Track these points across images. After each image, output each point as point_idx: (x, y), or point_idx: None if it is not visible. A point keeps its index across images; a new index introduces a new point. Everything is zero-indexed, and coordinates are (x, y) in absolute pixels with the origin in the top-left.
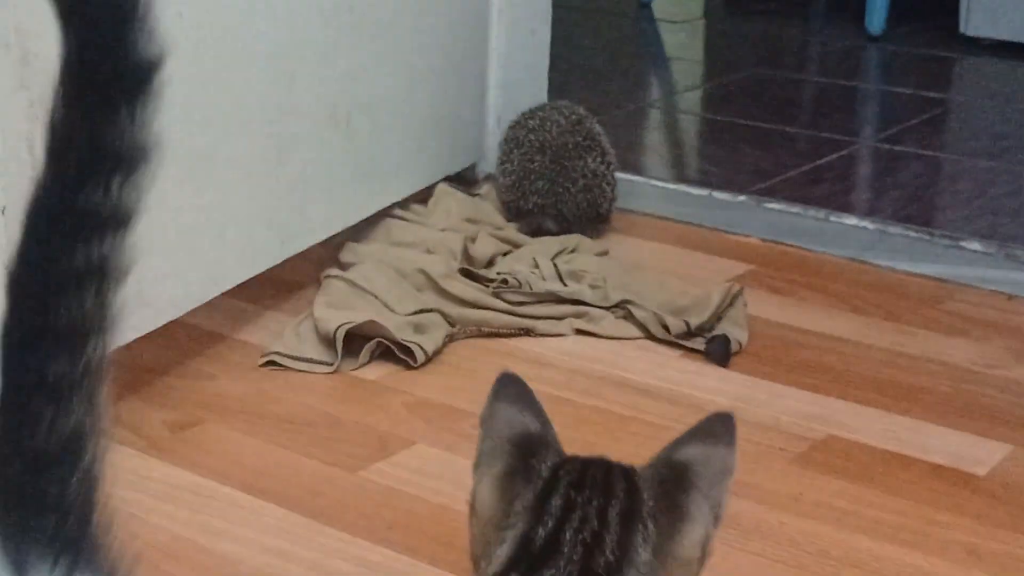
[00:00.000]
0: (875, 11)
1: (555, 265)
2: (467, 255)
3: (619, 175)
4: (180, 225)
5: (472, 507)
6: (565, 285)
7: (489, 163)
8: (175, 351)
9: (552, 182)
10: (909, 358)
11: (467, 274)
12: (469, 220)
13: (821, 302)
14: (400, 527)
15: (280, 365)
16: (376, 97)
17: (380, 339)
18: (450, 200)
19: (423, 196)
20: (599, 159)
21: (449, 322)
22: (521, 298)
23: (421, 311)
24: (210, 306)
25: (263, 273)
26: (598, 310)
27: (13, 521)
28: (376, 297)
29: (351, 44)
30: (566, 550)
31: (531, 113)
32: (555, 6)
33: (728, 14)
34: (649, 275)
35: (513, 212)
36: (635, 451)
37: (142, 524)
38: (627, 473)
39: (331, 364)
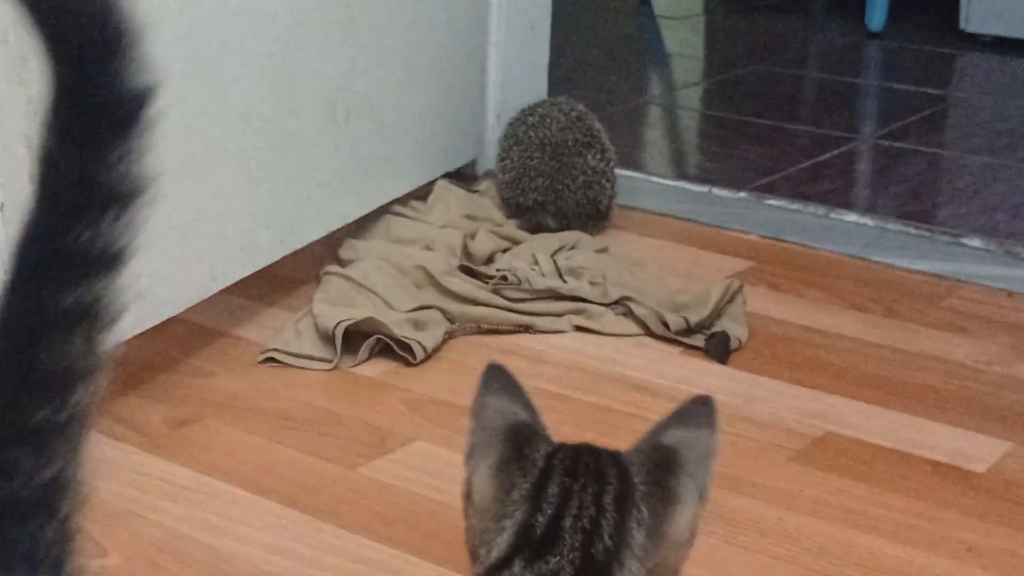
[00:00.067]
0: (875, 7)
1: (555, 262)
2: (467, 252)
3: (619, 172)
4: (179, 221)
5: (468, 497)
6: (565, 282)
7: (489, 160)
8: (174, 347)
9: (552, 179)
10: (909, 355)
11: (467, 271)
12: (469, 217)
13: (821, 299)
14: (399, 524)
15: (279, 362)
16: (375, 93)
17: (379, 336)
18: (450, 197)
19: (422, 193)
20: (599, 156)
21: (448, 319)
22: (521, 295)
23: (420, 308)
24: (209, 303)
25: (262, 270)
26: (598, 307)
27: None
28: (375, 294)
29: (350, 40)
30: (567, 537)
31: (531, 110)
32: (555, 2)
33: (728, 10)
34: (649, 272)
35: (513, 209)
36: None
37: (141, 520)
38: (616, 459)
39: (330, 361)
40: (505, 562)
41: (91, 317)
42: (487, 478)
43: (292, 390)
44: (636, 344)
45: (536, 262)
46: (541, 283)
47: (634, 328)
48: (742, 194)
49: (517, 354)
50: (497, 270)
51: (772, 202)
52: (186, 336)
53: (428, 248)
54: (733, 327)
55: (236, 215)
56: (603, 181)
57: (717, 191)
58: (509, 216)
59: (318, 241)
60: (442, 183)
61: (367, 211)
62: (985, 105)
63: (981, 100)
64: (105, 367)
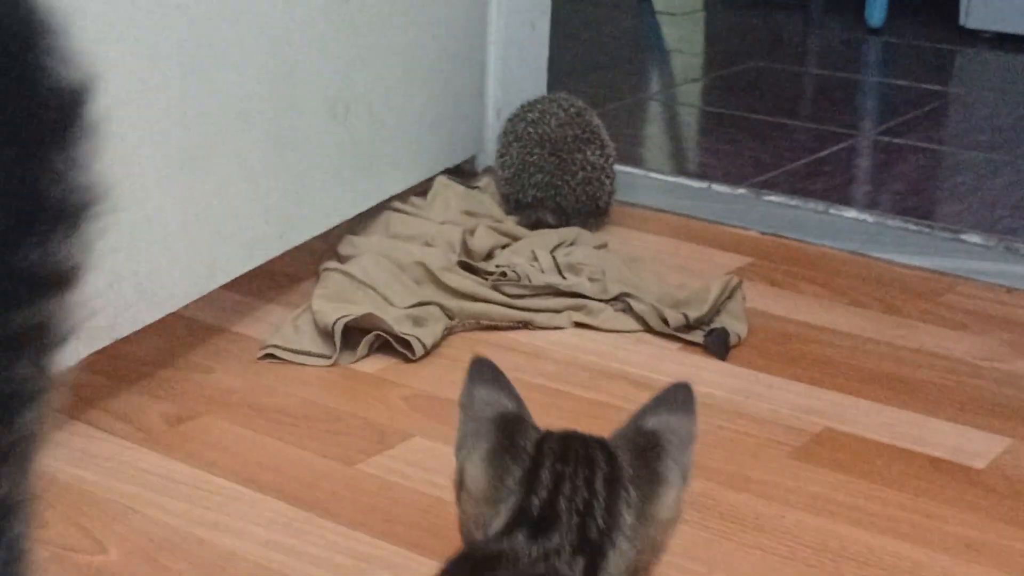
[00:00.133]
0: (875, 3)
1: (554, 258)
2: (466, 248)
3: (618, 168)
4: (178, 218)
5: (461, 485)
6: (564, 278)
7: (488, 156)
8: (173, 344)
9: (551, 175)
10: (908, 351)
11: (466, 267)
12: (468, 213)
13: (820, 295)
14: (398, 520)
15: (278, 358)
16: (375, 89)
17: (378, 332)
18: (449, 193)
19: (422, 189)
20: (598, 152)
21: (448, 315)
22: (520, 291)
23: (420, 304)
24: (208, 299)
25: (261, 266)
26: (597, 303)
27: None
28: (374, 290)
29: (350, 36)
30: (564, 518)
31: (530, 106)
32: None
33: (728, 7)
34: (648, 268)
35: (512, 205)
36: None
37: (139, 517)
38: (603, 444)
39: (329, 357)
40: (508, 531)
41: (40, 339)
42: (480, 466)
43: (291, 386)
44: (635, 340)
45: (535, 258)
46: (540, 279)
47: (633, 324)
48: (741, 190)
49: (516, 350)
50: (496, 266)
51: (771, 198)
52: (185, 332)
53: (427, 244)
54: (732, 323)
55: (235, 211)
56: (602, 177)
57: (716, 187)
58: (508, 212)
59: (317, 237)
60: (441, 179)
61: (366, 207)
62: (985, 101)
63: (981, 96)
64: (54, 389)
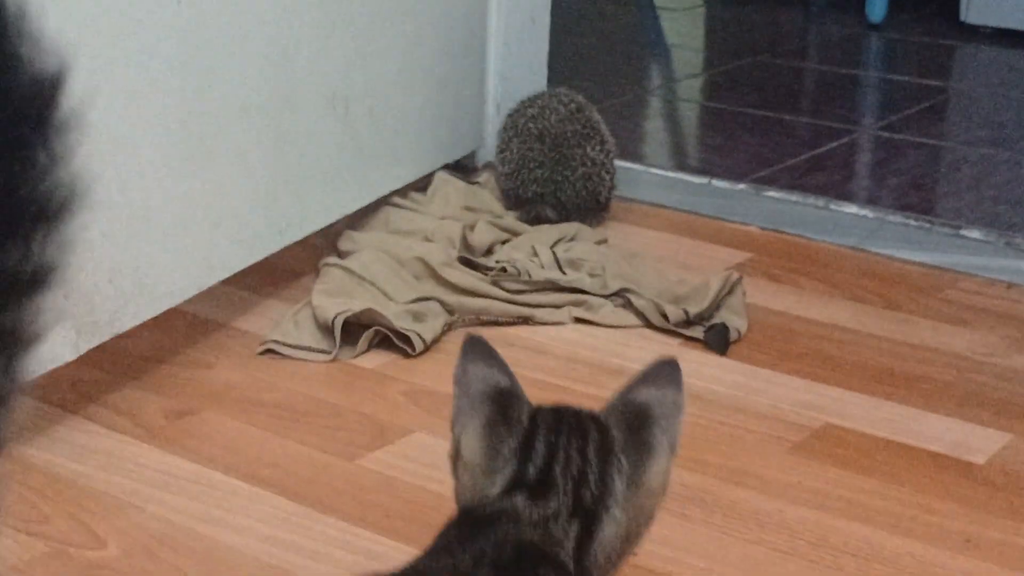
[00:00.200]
0: None
1: (554, 253)
2: (466, 243)
3: (618, 163)
4: (177, 213)
5: (458, 456)
6: (564, 273)
7: (488, 151)
8: (173, 339)
9: (551, 170)
10: (908, 347)
11: (466, 262)
12: (468, 208)
13: (820, 291)
14: (398, 515)
15: (278, 353)
16: (375, 84)
17: (378, 327)
18: (449, 188)
19: (422, 184)
20: (598, 147)
21: (448, 310)
22: (520, 286)
23: (419, 299)
24: (208, 294)
25: (261, 261)
26: (597, 298)
27: None
28: (374, 285)
29: (350, 31)
30: (559, 484)
31: (530, 101)
32: None
33: (728, 2)
34: (648, 263)
35: (512, 200)
36: None
37: (139, 512)
38: (594, 416)
39: (329, 352)
40: (506, 495)
41: (12, 342)
42: (476, 438)
43: (291, 382)
44: (635, 336)
45: (535, 254)
46: (540, 275)
47: (633, 320)
48: (741, 186)
49: (516, 345)
50: (496, 262)
51: (772, 194)
52: (185, 328)
53: (427, 240)
54: (732, 319)
55: (235, 207)
56: (602, 173)
57: (716, 183)
58: (508, 208)
59: (317, 233)
60: (441, 175)
61: (366, 203)
62: (985, 97)
63: (981, 92)
64: (23, 392)
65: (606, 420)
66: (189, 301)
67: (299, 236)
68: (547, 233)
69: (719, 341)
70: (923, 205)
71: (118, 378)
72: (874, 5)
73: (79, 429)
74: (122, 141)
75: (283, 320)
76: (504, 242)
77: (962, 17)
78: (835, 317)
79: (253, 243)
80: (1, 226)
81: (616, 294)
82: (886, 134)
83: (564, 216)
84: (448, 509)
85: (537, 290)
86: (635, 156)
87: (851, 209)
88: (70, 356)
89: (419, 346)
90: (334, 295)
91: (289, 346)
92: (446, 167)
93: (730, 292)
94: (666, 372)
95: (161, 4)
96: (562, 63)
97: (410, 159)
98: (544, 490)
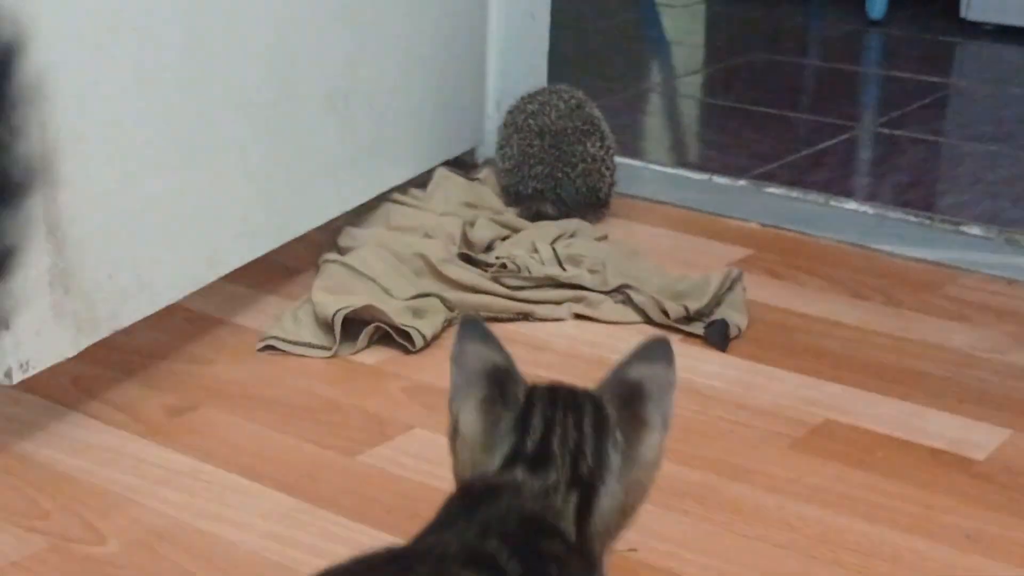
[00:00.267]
0: None
1: (554, 250)
2: (466, 240)
3: (618, 160)
4: (177, 209)
5: (457, 432)
6: (564, 270)
7: (488, 147)
8: (173, 335)
9: (551, 167)
10: (909, 343)
11: (466, 259)
12: (468, 205)
13: (820, 287)
14: (399, 511)
15: (278, 350)
16: (375, 81)
17: (378, 324)
18: (449, 184)
19: (422, 180)
20: (598, 144)
21: (448, 307)
22: (520, 283)
23: (420, 296)
24: (208, 290)
25: (261, 257)
26: (597, 295)
27: None
28: (374, 282)
29: (350, 27)
30: (557, 457)
31: (530, 97)
32: None
33: None
34: (648, 260)
35: (512, 197)
36: None
37: (139, 508)
38: (588, 392)
39: (329, 349)
40: (506, 468)
41: None
42: (474, 414)
43: (291, 378)
44: (635, 332)
45: (535, 250)
46: (540, 271)
47: (633, 316)
48: (742, 182)
49: (516, 342)
50: (496, 258)
51: (772, 190)
52: (185, 324)
53: (427, 236)
54: (732, 315)
55: (235, 202)
56: (603, 169)
57: (717, 179)
58: (508, 204)
59: (317, 229)
60: (441, 171)
61: (366, 199)
62: (985, 93)
63: (981, 88)
64: None
65: (600, 396)
66: (189, 297)
67: (299, 232)
68: (547, 229)
69: (719, 337)
70: (923, 201)
71: (118, 374)
72: (874, 1)
73: (79, 425)
74: (122, 136)
75: (283, 316)
76: (504, 238)
77: (962, 13)
78: (835, 313)
79: (253, 239)
80: None
81: (616, 290)
82: (886, 130)
83: (564, 212)
84: None
85: (537, 286)
86: (635, 152)
87: (851, 205)
88: (70, 352)
89: (419, 342)
90: (334, 291)
91: (289, 342)
92: (446, 163)
93: (730, 288)
94: (657, 350)
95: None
96: (562, 59)
97: (410, 155)
98: (543, 463)
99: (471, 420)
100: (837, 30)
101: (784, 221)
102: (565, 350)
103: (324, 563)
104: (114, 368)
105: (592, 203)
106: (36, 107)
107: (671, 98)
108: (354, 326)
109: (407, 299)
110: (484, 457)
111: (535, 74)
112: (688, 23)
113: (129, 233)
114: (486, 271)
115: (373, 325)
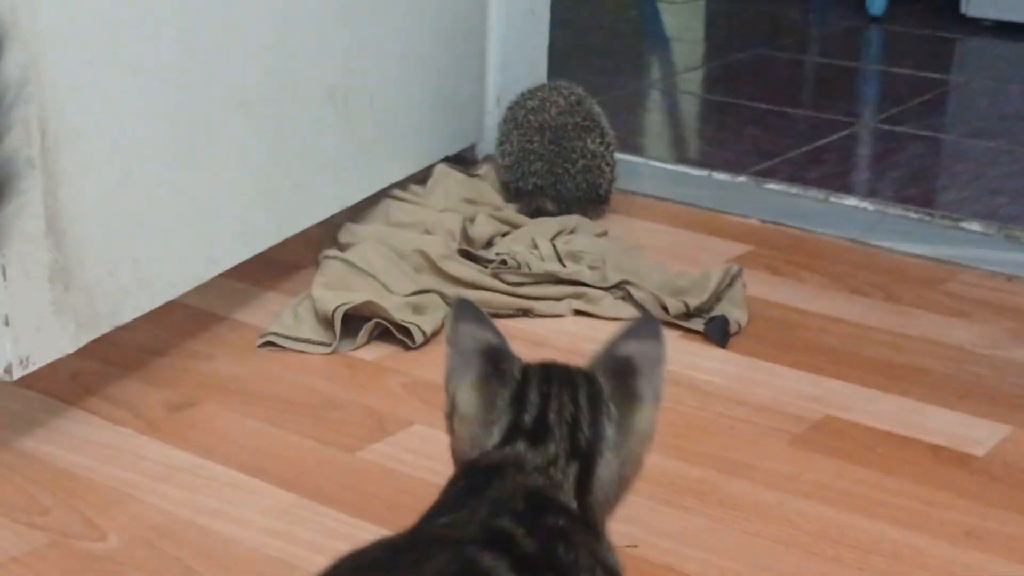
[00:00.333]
0: None
1: (554, 246)
2: (466, 236)
3: (619, 156)
4: (177, 205)
5: (454, 410)
6: (564, 266)
7: (488, 144)
8: (173, 331)
9: (551, 163)
10: (908, 339)
11: (466, 255)
12: (468, 201)
13: (820, 283)
14: (399, 507)
15: (278, 346)
16: (374, 77)
17: (378, 320)
18: (449, 181)
19: (422, 177)
20: (598, 140)
21: (447, 303)
22: (520, 279)
23: (419, 292)
24: (208, 286)
25: (261, 253)
26: (597, 291)
27: None
28: (374, 278)
29: (350, 23)
30: (555, 430)
31: (530, 93)
32: None
33: None
34: (648, 256)
35: (512, 193)
36: None
37: (139, 504)
38: (581, 368)
39: (329, 345)
40: (506, 442)
41: None
42: (471, 392)
43: (291, 374)
44: None
45: (535, 246)
46: (540, 267)
47: (633, 312)
48: (742, 178)
49: (516, 338)
50: (496, 254)
51: (772, 186)
52: (185, 320)
53: (427, 232)
54: (732, 311)
55: (235, 199)
56: (603, 165)
57: (717, 175)
58: (508, 200)
59: (317, 225)
60: (441, 167)
61: (366, 195)
62: (985, 90)
63: (981, 85)
64: None
65: (593, 371)
66: (189, 293)
67: (299, 228)
68: (547, 226)
69: (719, 333)
70: (923, 198)
71: (118, 370)
72: None
73: (79, 421)
74: (121, 133)
75: (283, 312)
76: (504, 235)
77: (962, 10)
78: (835, 309)
79: (253, 235)
80: None
81: (616, 286)
82: (886, 127)
83: (564, 209)
84: None
85: (537, 283)
86: (635, 149)
87: (851, 202)
88: (70, 348)
89: (419, 338)
90: (334, 287)
91: (289, 338)
92: (446, 159)
93: (730, 284)
94: (646, 327)
95: None
96: (562, 55)
97: (410, 151)
98: (541, 436)
99: (468, 398)
100: (837, 26)
101: (784, 217)
102: (565, 346)
103: (324, 559)
104: (114, 364)
105: (592, 199)
106: (20, 103)
107: (671, 94)
108: (354, 322)
109: (407, 295)
110: (483, 432)
111: (535, 70)
112: (688, 19)
113: (129, 230)
114: (486, 267)
115: (373, 321)
